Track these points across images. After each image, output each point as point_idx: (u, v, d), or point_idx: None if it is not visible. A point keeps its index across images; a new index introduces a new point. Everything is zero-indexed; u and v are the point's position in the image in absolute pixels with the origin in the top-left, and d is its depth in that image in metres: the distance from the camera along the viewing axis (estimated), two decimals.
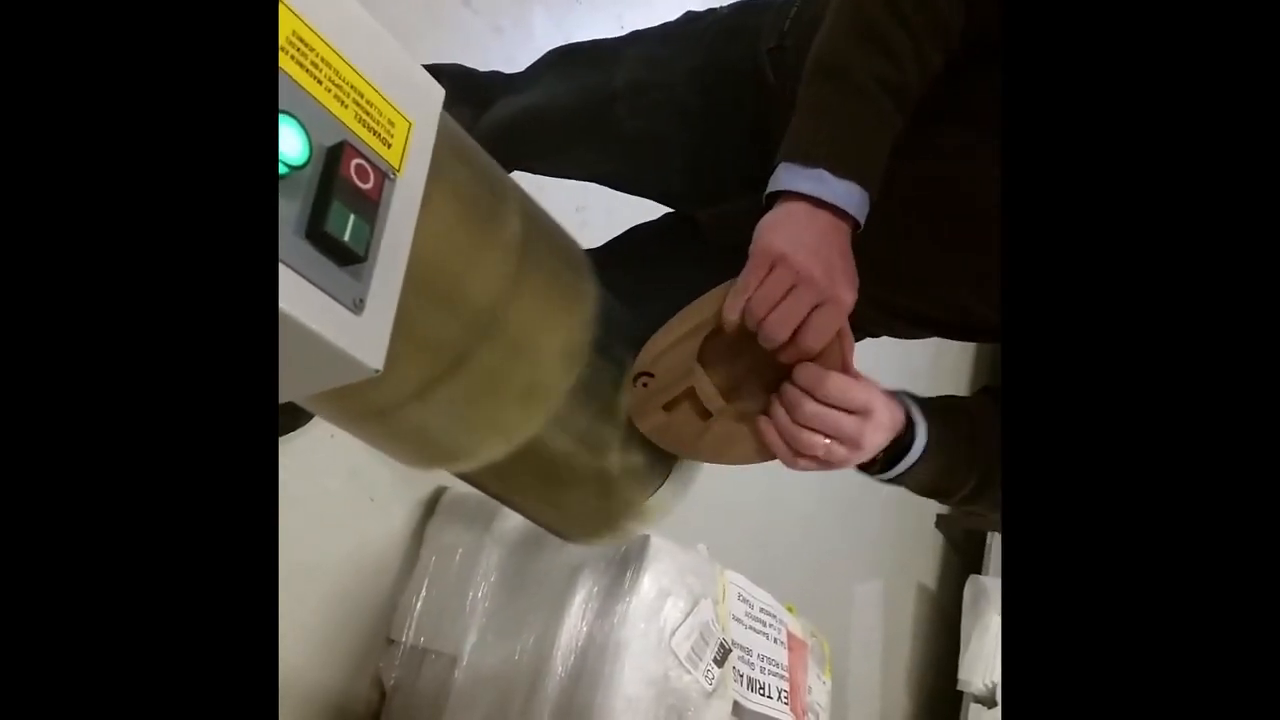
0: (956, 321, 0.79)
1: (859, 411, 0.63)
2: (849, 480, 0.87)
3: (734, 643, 1.18)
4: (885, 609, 2.69)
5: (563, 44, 1.05)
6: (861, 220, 0.64)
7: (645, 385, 0.67)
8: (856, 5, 0.66)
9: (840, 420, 0.62)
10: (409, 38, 1.46)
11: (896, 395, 0.68)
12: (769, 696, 1.21)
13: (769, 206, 0.64)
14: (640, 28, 0.94)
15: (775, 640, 1.29)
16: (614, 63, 0.92)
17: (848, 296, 0.62)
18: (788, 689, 1.26)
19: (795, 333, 0.62)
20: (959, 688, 2.52)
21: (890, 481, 0.70)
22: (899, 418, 0.66)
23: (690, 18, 0.91)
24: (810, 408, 0.62)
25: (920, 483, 0.70)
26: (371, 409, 0.59)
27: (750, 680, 1.19)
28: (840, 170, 0.62)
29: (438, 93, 0.54)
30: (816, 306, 0.61)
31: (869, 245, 0.64)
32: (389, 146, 0.49)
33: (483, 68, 1.24)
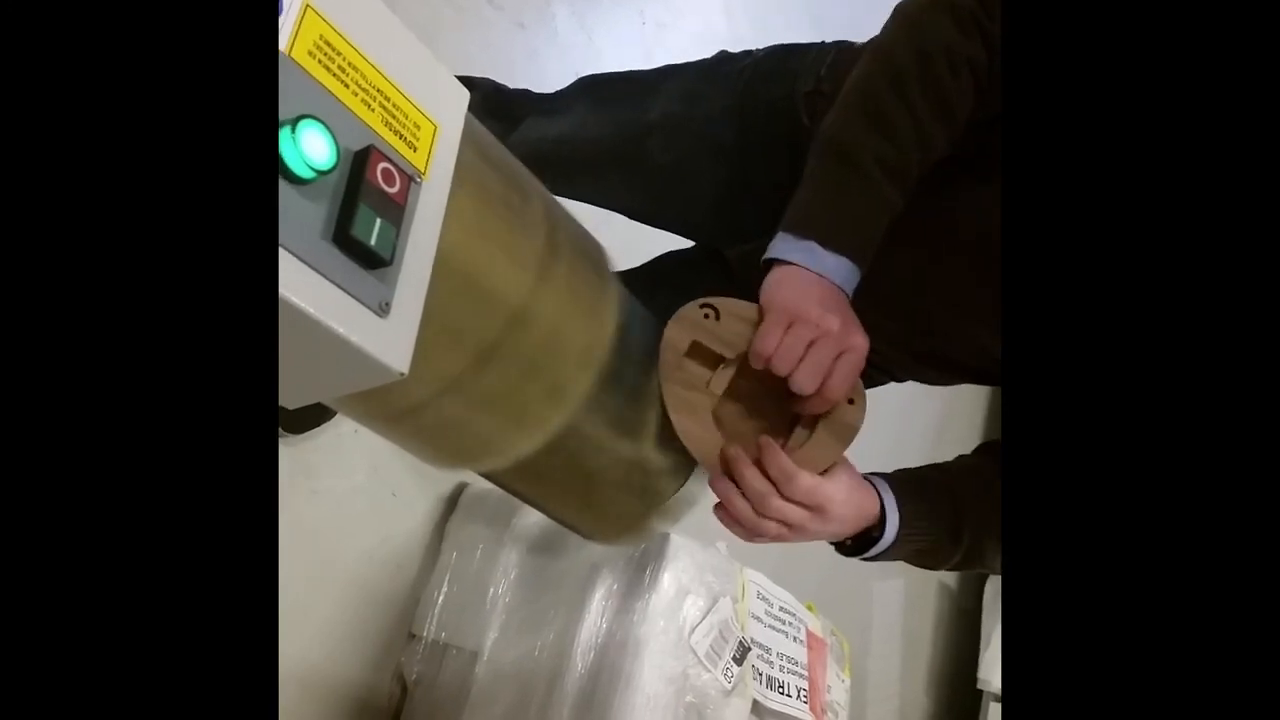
0: (979, 366, 0.80)
1: (812, 508, 0.66)
2: None
3: (753, 641, 1.18)
4: (905, 608, 2.68)
5: (594, 74, 1.06)
6: (850, 292, 0.67)
7: (706, 316, 0.68)
8: (865, 84, 0.69)
9: (791, 513, 0.66)
10: (432, 34, 1.46)
11: (875, 485, 0.70)
12: (788, 695, 1.21)
13: (766, 269, 0.67)
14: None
15: (795, 639, 1.29)
16: (649, 96, 0.93)
17: (863, 343, 0.65)
18: (807, 688, 1.26)
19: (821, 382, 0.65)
20: (979, 687, 2.51)
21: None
22: (867, 513, 0.69)
23: (726, 57, 0.92)
24: (764, 492, 0.65)
25: (896, 560, 0.74)
26: (394, 409, 0.59)
27: (769, 679, 1.19)
28: (831, 245, 0.66)
29: (463, 95, 0.54)
30: (838, 357, 0.64)
31: (895, 291, 0.66)
32: (415, 150, 0.49)
33: (505, 62, 1.24)
